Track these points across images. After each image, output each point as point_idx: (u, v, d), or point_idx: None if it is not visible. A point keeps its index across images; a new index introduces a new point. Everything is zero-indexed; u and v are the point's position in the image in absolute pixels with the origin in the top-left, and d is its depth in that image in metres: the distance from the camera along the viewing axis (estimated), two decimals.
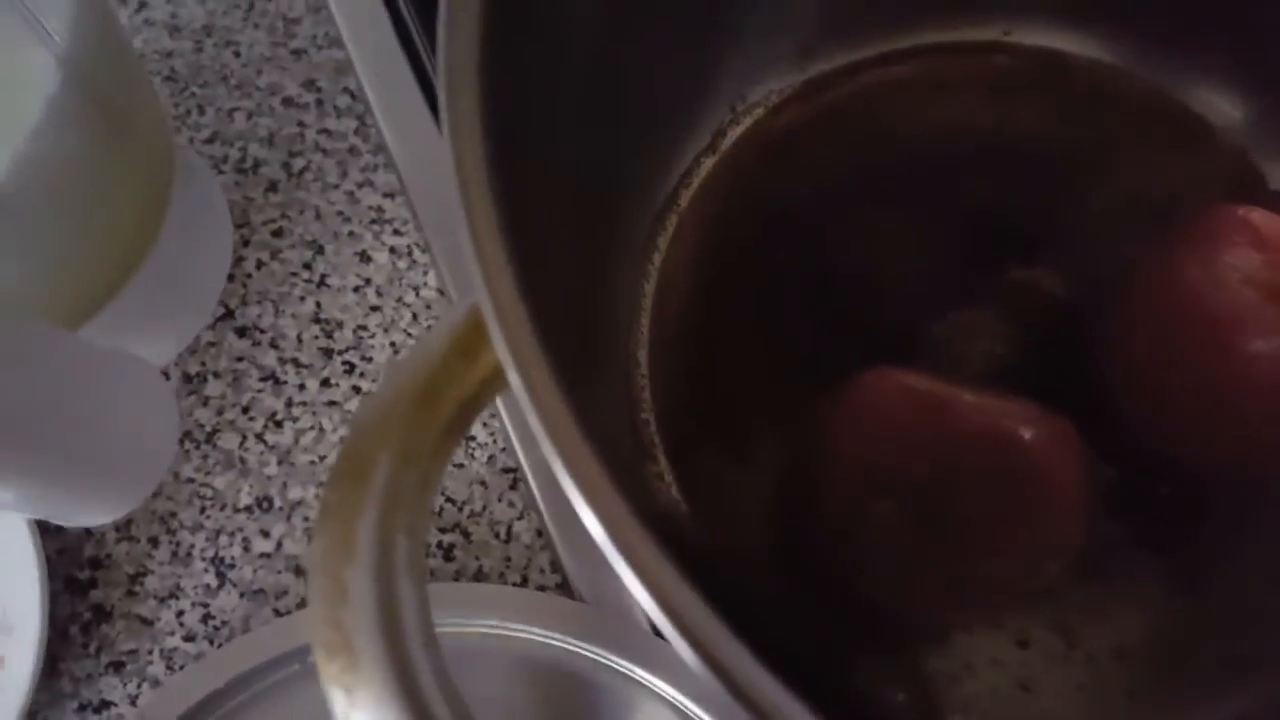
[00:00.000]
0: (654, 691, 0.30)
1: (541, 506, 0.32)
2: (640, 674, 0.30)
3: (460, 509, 0.34)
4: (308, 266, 0.37)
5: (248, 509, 0.34)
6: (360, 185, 0.38)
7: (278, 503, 0.34)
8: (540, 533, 0.33)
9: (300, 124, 0.39)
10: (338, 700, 0.13)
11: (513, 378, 0.13)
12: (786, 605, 0.26)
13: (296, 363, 0.35)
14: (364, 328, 0.36)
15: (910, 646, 0.26)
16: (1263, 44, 0.29)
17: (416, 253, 0.37)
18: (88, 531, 0.34)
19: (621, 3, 0.25)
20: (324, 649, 0.14)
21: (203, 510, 0.34)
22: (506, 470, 0.34)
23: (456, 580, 0.33)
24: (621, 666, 0.30)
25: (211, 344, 0.36)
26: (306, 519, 0.34)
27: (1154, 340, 0.25)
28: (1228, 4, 0.29)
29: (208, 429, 0.35)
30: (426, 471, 0.15)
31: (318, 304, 0.36)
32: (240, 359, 0.36)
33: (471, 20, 0.15)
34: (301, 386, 0.35)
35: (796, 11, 0.31)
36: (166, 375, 0.35)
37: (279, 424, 0.35)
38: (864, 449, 0.23)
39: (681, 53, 0.28)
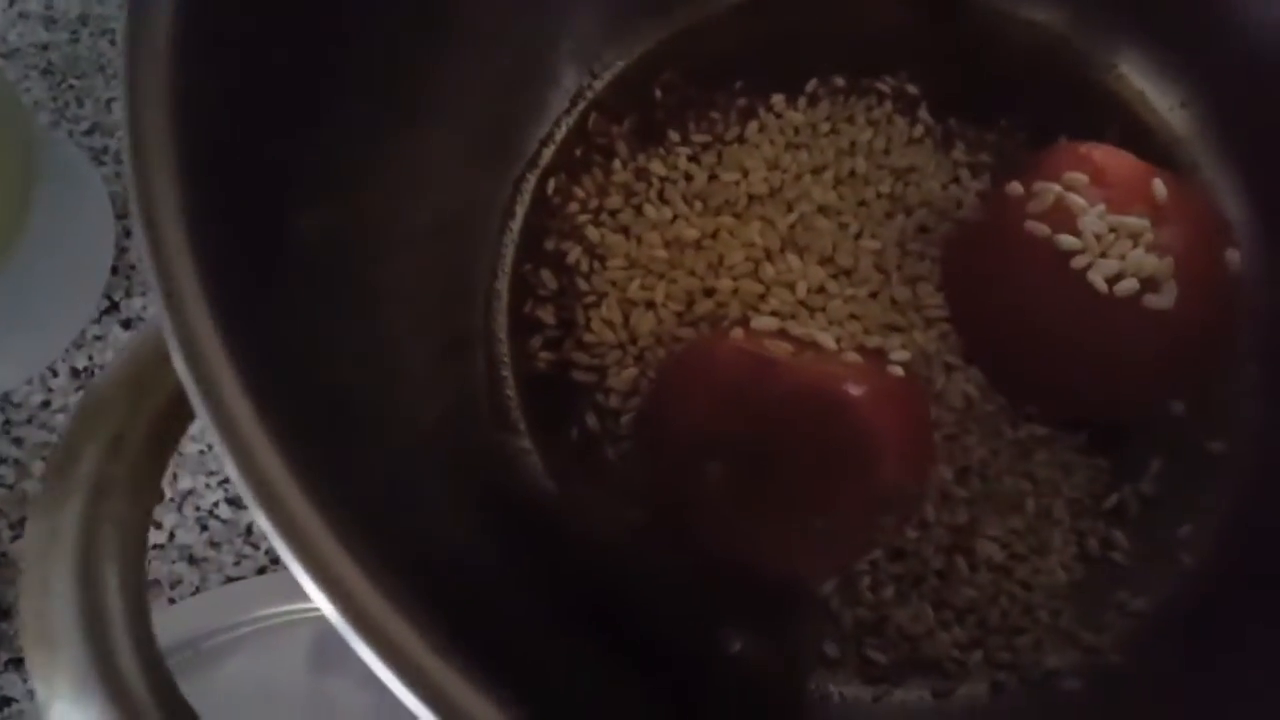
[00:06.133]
0: None
1: None
2: None
3: None
4: None
5: None
6: None
7: (169, 494, 0.34)
8: None
9: None
10: (40, 689, 0.13)
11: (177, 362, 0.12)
12: (654, 572, 0.26)
13: None
14: None
15: (773, 601, 0.26)
16: None
17: None
18: None
19: None
20: (30, 641, 0.13)
21: None
22: None
23: None
24: None
25: (98, 337, 0.36)
26: (198, 508, 0.34)
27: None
28: None
29: None
30: (137, 461, 0.15)
31: None
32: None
33: None
34: None
35: None
36: (54, 371, 0.35)
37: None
38: (696, 411, 0.22)
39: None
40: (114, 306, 0.36)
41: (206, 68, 0.15)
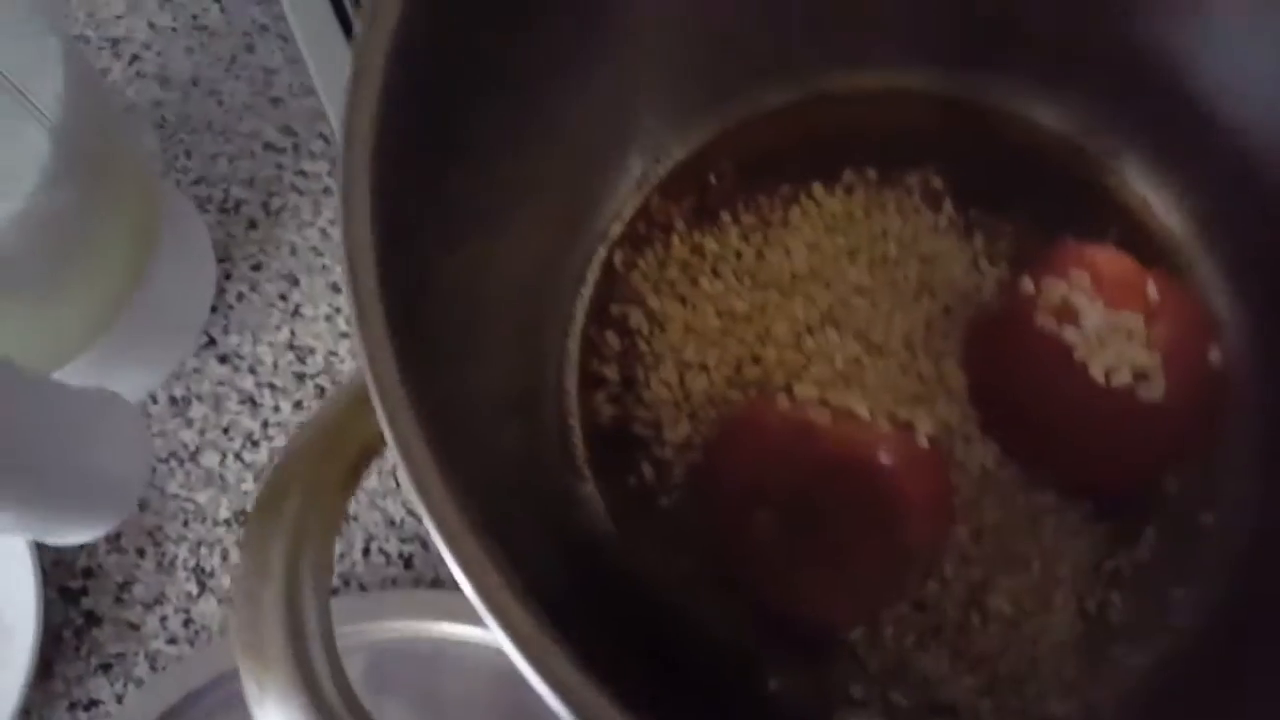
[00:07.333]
0: None
1: None
2: None
3: (420, 521, 0.37)
4: (284, 298, 0.40)
5: (226, 522, 0.37)
6: (333, 222, 0.42)
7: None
8: None
9: (278, 166, 0.43)
10: (251, 691, 0.17)
11: (388, 435, 0.16)
12: (701, 612, 0.29)
13: (272, 386, 0.39)
14: (335, 353, 0.39)
15: (806, 645, 0.29)
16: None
17: None
18: (80, 544, 0.37)
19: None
20: (243, 651, 0.17)
21: (185, 523, 0.37)
22: None
23: (416, 586, 0.36)
24: None
25: (195, 370, 0.39)
26: None
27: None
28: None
29: (191, 448, 0.38)
30: (332, 505, 0.18)
31: (292, 332, 0.40)
32: (221, 383, 0.39)
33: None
34: (276, 408, 0.39)
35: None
36: (154, 399, 0.39)
37: (255, 443, 0.38)
38: (746, 471, 0.26)
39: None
40: (212, 342, 0.40)
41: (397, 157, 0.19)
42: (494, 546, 0.17)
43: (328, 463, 0.18)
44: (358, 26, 0.40)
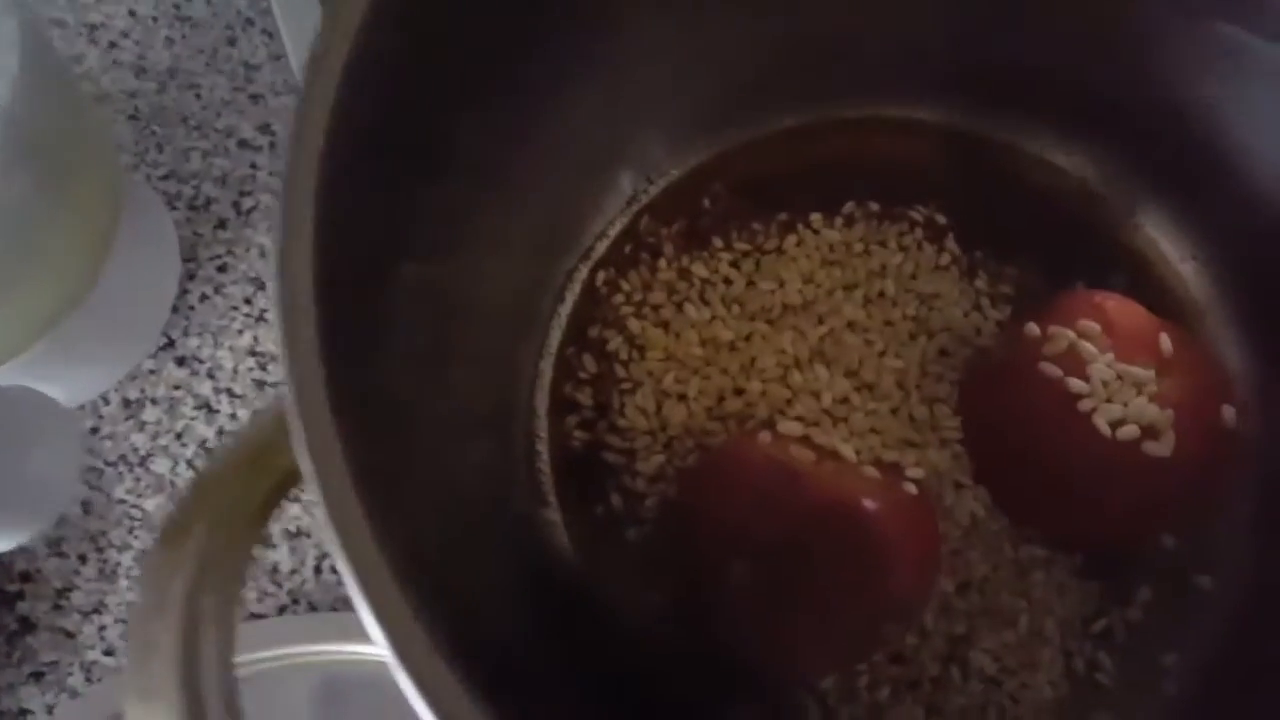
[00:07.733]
0: None
1: None
2: None
3: None
4: (249, 301, 0.38)
5: None
6: None
7: None
8: None
9: (253, 165, 0.41)
10: None
11: (303, 464, 0.14)
12: (666, 650, 0.28)
13: (230, 393, 0.37)
14: None
15: (774, 690, 0.27)
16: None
17: None
18: (18, 547, 0.35)
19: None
20: (134, 693, 0.15)
21: (131, 530, 0.35)
22: None
23: None
24: None
25: (152, 371, 0.37)
26: None
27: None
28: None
29: (142, 453, 0.36)
30: (242, 536, 0.16)
31: (255, 338, 0.38)
32: (177, 387, 0.37)
33: None
34: (233, 416, 0.37)
35: None
36: (106, 400, 0.37)
37: (209, 451, 0.36)
38: (724, 512, 0.24)
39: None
40: (170, 344, 0.38)
41: (350, 153, 0.17)
42: (419, 594, 0.15)
43: (241, 491, 0.17)
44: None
